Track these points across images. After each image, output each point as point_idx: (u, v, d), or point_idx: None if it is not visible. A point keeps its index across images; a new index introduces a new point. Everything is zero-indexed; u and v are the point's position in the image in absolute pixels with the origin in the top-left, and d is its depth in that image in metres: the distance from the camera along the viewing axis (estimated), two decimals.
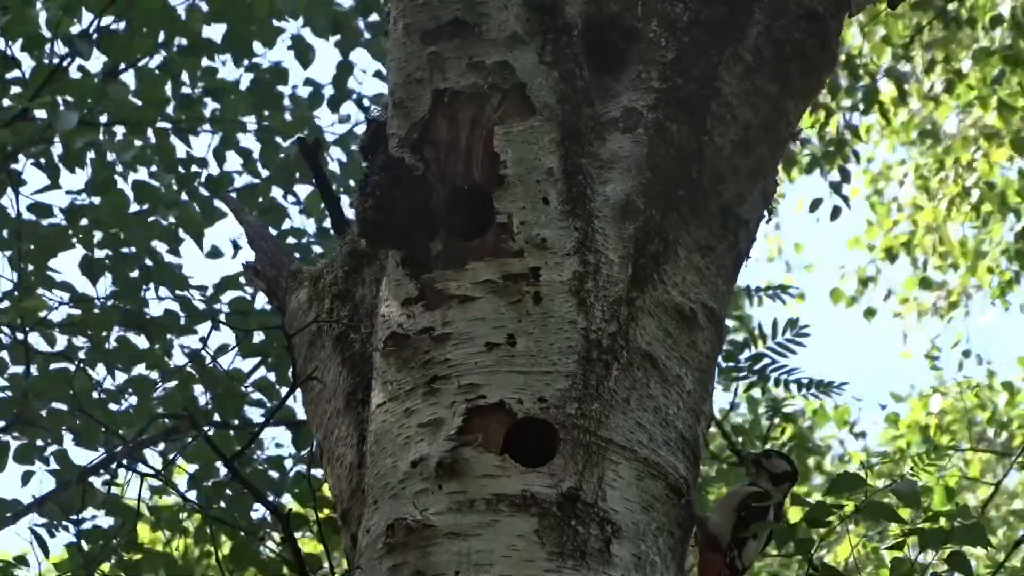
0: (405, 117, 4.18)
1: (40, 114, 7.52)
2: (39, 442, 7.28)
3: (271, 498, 7.21)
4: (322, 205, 7.34)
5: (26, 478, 7.27)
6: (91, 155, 7.57)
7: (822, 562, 4.34)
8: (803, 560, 3.97)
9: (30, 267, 7.43)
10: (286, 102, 8.18)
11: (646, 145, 4.19)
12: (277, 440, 10.92)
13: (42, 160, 7.61)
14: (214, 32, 8.15)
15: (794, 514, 4.48)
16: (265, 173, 8.12)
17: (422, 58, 4.19)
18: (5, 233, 7.52)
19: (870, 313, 13.47)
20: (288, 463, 7.54)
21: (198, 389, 7.52)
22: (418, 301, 4.06)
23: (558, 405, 3.90)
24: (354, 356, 4.31)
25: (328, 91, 8.28)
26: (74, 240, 7.49)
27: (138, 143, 7.71)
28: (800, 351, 7.03)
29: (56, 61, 7.66)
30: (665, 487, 3.96)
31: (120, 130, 7.78)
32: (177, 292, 7.50)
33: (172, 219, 7.53)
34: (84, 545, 7.14)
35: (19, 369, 7.44)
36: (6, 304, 7.48)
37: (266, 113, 8.07)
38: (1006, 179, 12.13)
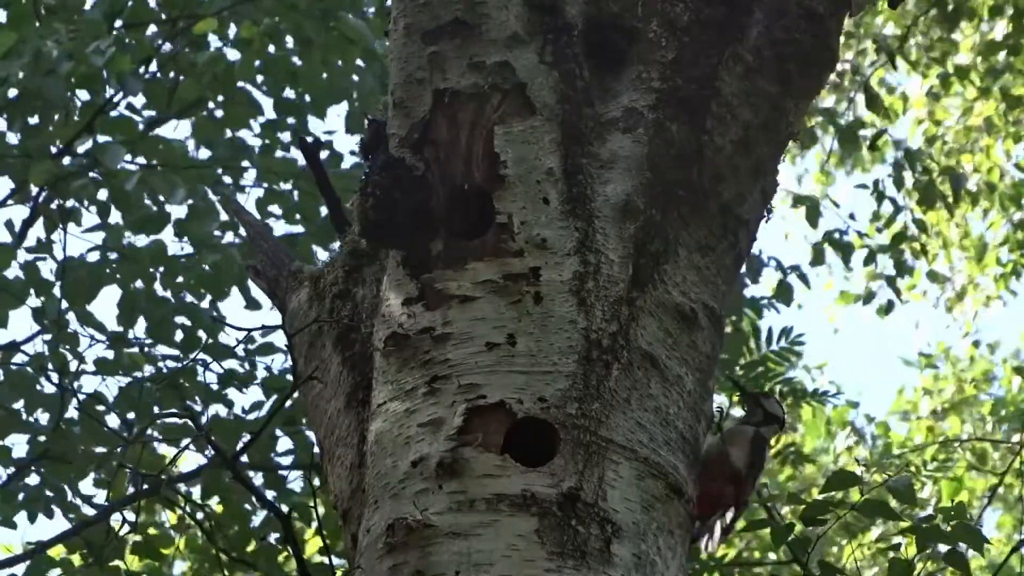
0: (405, 117, 4.18)
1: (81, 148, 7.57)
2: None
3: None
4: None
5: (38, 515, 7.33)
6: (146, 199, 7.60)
7: (821, 560, 4.35)
8: (798, 562, 3.97)
9: (68, 306, 7.48)
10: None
11: (646, 145, 4.18)
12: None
13: (89, 204, 7.65)
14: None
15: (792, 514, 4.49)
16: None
17: (422, 58, 4.19)
18: (51, 272, 7.58)
19: (883, 311, 13.20)
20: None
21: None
22: (418, 301, 4.05)
23: (558, 405, 3.90)
24: (354, 356, 4.31)
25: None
26: (114, 279, 7.54)
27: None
28: (805, 352, 7.09)
29: (106, 97, 7.70)
30: (665, 487, 3.96)
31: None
32: (215, 352, 7.56)
33: (210, 265, 7.57)
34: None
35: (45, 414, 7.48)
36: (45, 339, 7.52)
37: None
38: (1012, 180, 12.06)
